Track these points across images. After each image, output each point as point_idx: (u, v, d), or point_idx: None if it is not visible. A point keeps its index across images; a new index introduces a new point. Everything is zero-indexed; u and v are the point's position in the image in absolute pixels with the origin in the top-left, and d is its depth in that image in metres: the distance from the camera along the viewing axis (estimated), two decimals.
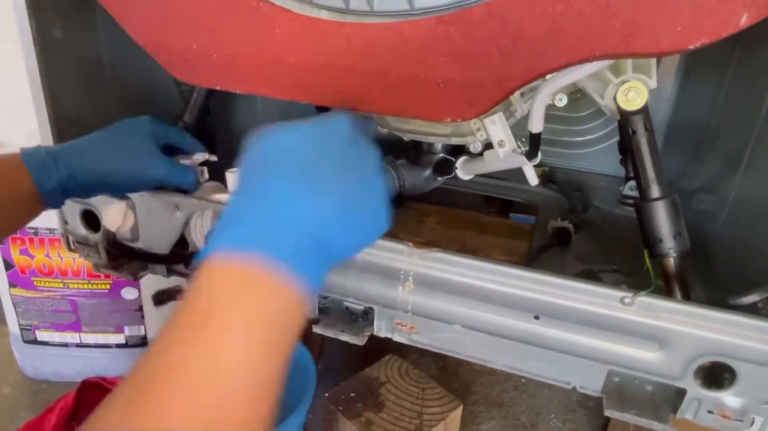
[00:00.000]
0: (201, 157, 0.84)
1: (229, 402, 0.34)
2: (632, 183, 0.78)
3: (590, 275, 0.76)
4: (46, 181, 0.64)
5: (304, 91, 0.66)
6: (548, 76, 0.60)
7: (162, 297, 0.77)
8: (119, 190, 0.74)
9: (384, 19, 0.57)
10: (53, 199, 0.65)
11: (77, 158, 0.66)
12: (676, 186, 0.86)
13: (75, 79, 0.82)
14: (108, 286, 1.21)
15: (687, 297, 0.64)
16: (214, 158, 0.82)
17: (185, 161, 0.80)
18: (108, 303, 1.23)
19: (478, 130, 0.81)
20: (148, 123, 0.73)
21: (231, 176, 0.76)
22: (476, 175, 0.95)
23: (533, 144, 0.72)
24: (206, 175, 0.83)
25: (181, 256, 0.79)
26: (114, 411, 0.33)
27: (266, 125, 0.45)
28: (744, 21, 0.43)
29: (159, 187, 0.76)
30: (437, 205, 1.04)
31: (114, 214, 0.67)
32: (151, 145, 0.71)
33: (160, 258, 0.79)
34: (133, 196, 0.77)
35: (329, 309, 0.72)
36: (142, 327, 1.27)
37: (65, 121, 0.81)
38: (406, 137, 0.98)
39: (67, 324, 1.25)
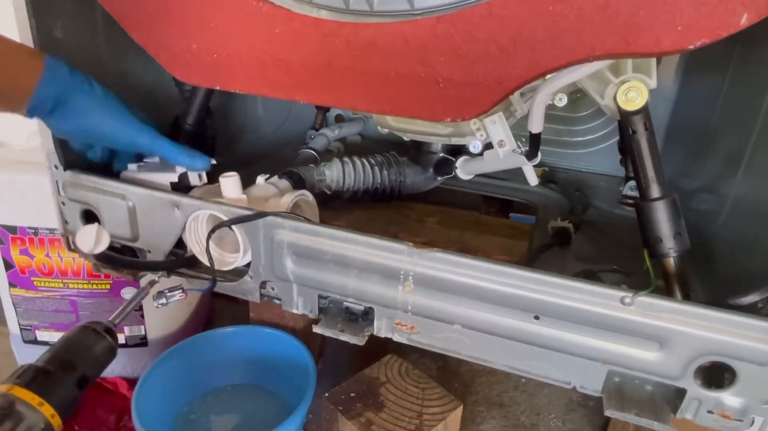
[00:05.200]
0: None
1: None
2: (632, 183, 0.78)
3: (590, 275, 0.75)
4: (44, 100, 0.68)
5: (304, 91, 0.66)
6: (548, 76, 0.60)
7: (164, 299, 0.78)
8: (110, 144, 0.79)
9: (384, 19, 0.57)
10: (35, 113, 0.69)
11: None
12: (676, 186, 0.86)
13: None
14: (108, 286, 1.21)
15: (687, 297, 0.64)
16: (212, 161, 0.82)
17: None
18: (108, 303, 1.23)
19: (478, 130, 0.81)
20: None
21: (225, 181, 0.75)
22: (476, 175, 0.95)
23: (533, 144, 0.72)
24: (204, 178, 0.83)
25: (171, 263, 0.79)
26: None
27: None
28: (744, 21, 0.43)
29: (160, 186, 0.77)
30: (437, 205, 1.04)
31: (86, 237, 0.68)
32: (126, 112, 0.76)
33: (151, 265, 0.80)
34: (133, 194, 0.77)
35: (329, 309, 0.72)
36: (142, 327, 1.27)
37: None
38: (406, 137, 0.98)
39: (67, 324, 1.25)
